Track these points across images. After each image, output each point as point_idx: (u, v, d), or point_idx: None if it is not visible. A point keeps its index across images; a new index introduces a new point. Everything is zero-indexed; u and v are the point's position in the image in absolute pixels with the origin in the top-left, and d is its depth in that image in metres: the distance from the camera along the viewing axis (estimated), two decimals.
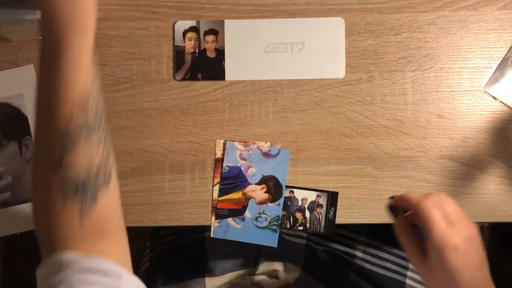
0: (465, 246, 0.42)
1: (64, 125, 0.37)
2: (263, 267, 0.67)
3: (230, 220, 0.56)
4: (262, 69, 0.56)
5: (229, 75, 0.57)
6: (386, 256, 0.65)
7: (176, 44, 0.57)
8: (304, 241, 0.68)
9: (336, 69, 0.56)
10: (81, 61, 0.38)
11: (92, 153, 0.39)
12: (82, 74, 0.38)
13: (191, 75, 0.57)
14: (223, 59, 0.57)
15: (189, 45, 0.57)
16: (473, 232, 0.43)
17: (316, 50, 0.56)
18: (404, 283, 0.64)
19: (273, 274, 0.69)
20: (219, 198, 0.56)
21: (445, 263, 0.42)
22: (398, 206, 0.47)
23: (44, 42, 0.39)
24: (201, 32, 0.57)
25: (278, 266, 0.68)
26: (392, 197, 0.48)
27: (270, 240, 0.56)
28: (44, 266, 0.38)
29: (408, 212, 0.46)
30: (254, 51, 0.56)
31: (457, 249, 0.41)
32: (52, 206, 0.38)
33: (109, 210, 0.41)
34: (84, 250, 0.38)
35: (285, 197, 0.56)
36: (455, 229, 0.42)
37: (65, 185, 0.38)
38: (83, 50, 0.38)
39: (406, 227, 0.46)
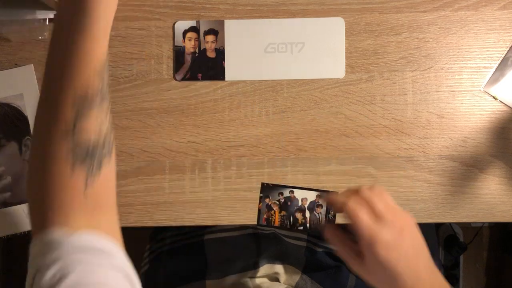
0: (395, 239, 0.42)
1: (83, 88, 0.38)
2: (264, 269, 0.67)
3: None
4: (262, 69, 0.56)
5: (229, 75, 0.57)
6: None
7: (176, 44, 0.57)
8: (304, 243, 0.68)
9: (336, 69, 0.56)
10: (106, 30, 0.40)
11: (102, 120, 0.39)
12: (104, 43, 0.40)
13: (191, 75, 0.57)
14: (223, 59, 0.57)
15: (189, 45, 0.57)
16: (404, 223, 0.43)
17: (316, 50, 0.56)
18: None
19: (273, 277, 0.69)
20: None
21: (378, 259, 0.41)
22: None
23: (69, 7, 0.40)
24: (201, 32, 0.57)
25: (278, 268, 0.68)
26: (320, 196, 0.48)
27: None
28: (38, 243, 0.37)
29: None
30: (254, 51, 0.56)
31: (387, 244, 0.41)
32: (58, 173, 0.37)
33: (109, 182, 0.40)
34: (82, 224, 0.38)
35: (285, 197, 0.56)
36: (383, 224, 0.42)
37: (75, 151, 0.37)
38: (109, 20, 0.41)
39: (336, 230, 0.46)
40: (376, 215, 0.43)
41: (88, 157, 0.38)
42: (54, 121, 0.38)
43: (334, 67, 0.56)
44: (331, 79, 0.56)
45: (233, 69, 0.57)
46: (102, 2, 0.40)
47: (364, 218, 0.42)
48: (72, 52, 0.39)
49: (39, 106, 0.40)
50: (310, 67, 0.56)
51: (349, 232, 0.45)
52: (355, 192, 0.44)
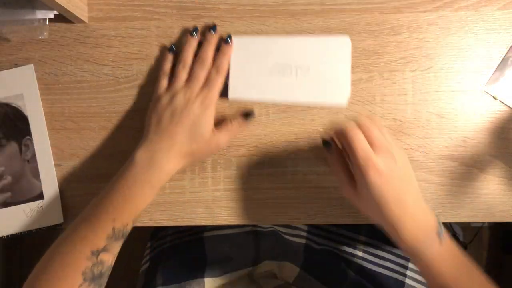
0: (388, 168, 0.43)
1: (122, 225, 0.49)
2: (262, 266, 0.67)
3: None
4: (266, 90, 0.56)
5: (233, 94, 0.56)
6: (386, 255, 0.65)
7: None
8: (303, 241, 0.68)
9: (340, 95, 0.55)
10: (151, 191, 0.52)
11: (115, 255, 0.50)
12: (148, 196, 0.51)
13: None
14: (227, 76, 0.56)
15: None
16: (398, 155, 0.45)
17: (321, 73, 0.55)
18: (404, 282, 0.64)
19: (272, 274, 0.69)
20: None
21: (370, 185, 0.43)
22: (332, 140, 0.50)
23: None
24: None
25: (277, 265, 0.68)
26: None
27: None
28: None
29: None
30: (259, 70, 0.56)
31: (380, 172, 0.43)
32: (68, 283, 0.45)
33: None
34: None
35: None
36: (378, 152, 0.44)
37: (91, 270, 0.46)
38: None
39: (338, 158, 0.49)
40: (373, 143, 0.44)
41: (96, 280, 0.46)
42: (86, 241, 0.46)
43: (337, 93, 0.55)
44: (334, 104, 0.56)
45: (236, 88, 0.56)
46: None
47: (361, 142, 0.44)
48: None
49: (76, 222, 0.48)
50: (314, 91, 0.55)
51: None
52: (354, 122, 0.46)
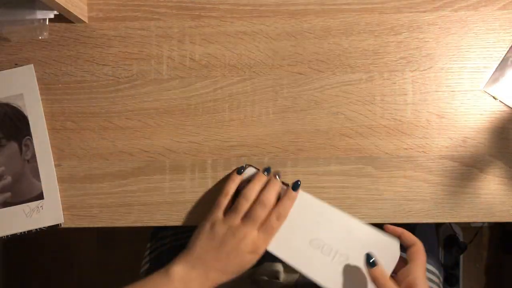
0: None
1: None
2: (264, 267, 0.67)
3: None
4: (298, 257, 0.53)
5: (271, 246, 0.53)
6: None
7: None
8: None
9: None
10: None
11: None
12: None
13: None
14: None
15: None
16: None
17: (357, 269, 0.52)
18: None
19: (273, 275, 0.69)
20: None
21: None
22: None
23: None
24: None
25: (278, 266, 0.68)
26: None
27: None
28: None
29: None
30: (302, 235, 0.53)
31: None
32: None
33: None
34: None
35: None
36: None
37: None
38: None
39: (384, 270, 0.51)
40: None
41: None
42: None
43: None
44: None
45: (276, 242, 0.53)
46: None
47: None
48: None
49: None
50: (341, 284, 0.52)
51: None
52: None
